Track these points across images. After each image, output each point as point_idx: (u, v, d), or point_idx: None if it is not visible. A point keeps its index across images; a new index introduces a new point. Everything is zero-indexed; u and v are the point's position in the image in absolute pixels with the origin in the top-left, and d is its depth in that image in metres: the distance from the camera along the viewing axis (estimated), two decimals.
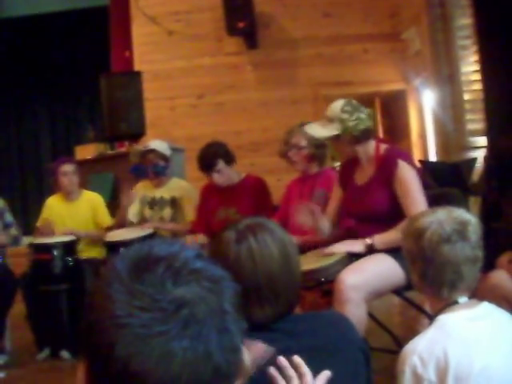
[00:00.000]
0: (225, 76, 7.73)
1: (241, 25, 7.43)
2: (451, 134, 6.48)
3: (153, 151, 5.51)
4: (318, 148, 4.43)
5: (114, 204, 6.04)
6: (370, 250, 3.50)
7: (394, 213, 3.55)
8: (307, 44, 7.77)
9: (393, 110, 8.08)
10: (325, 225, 3.80)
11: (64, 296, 5.32)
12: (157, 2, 7.91)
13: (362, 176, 3.78)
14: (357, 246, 3.52)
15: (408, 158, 3.70)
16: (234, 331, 0.99)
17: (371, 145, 3.70)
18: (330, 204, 4.04)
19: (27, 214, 9.07)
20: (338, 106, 3.64)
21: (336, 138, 3.65)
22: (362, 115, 3.63)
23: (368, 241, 3.50)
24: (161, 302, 0.93)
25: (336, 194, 3.99)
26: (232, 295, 1.02)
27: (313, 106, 7.40)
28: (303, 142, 4.44)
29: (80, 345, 0.99)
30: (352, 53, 7.74)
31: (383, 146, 3.72)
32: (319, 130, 3.73)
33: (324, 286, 3.46)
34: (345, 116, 3.59)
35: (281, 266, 1.89)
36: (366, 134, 3.66)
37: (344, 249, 3.51)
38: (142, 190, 5.72)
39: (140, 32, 7.93)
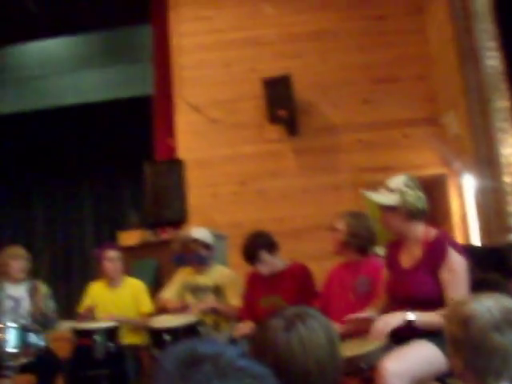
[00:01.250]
0: (266, 163, 7.81)
1: (282, 113, 7.54)
2: (492, 216, 6.43)
3: (195, 240, 5.55)
4: (353, 236, 4.43)
5: (156, 290, 6.05)
6: (409, 328, 3.45)
7: (437, 299, 3.51)
8: (347, 130, 7.85)
9: (433, 193, 8.04)
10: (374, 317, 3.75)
11: (105, 381, 5.32)
12: (200, 92, 8.09)
13: (408, 258, 3.76)
14: (396, 319, 3.47)
15: (458, 246, 3.67)
16: None
17: (421, 227, 3.70)
18: (382, 286, 4.00)
19: (71, 299, 9.10)
20: (401, 179, 3.67)
21: (392, 209, 3.66)
22: (421, 195, 3.65)
23: (409, 316, 3.45)
24: None
25: (385, 278, 3.97)
26: None
27: (354, 192, 7.41)
28: (340, 226, 4.45)
29: None
30: (392, 138, 7.79)
31: (433, 231, 3.71)
32: (378, 197, 3.74)
33: (365, 373, 3.42)
34: (407, 190, 3.61)
35: (328, 351, 1.92)
36: (421, 215, 3.67)
37: (383, 326, 3.46)
38: (184, 275, 5.74)
39: (183, 120, 8.09)
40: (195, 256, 5.55)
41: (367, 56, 7.93)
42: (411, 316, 3.44)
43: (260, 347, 1.93)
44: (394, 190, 3.64)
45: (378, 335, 3.44)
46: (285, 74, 7.58)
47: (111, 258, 5.93)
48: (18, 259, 5.89)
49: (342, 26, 8.03)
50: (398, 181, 3.67)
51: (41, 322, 5.59)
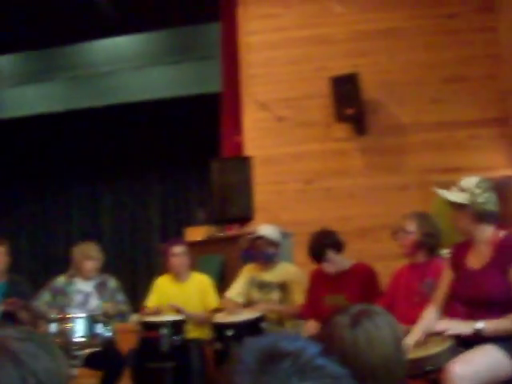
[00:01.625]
0: (333, 162, 7.79)
1: (349, 111, 7.52)
2: None
3: (262, 238, 5.59)
4: (427, 236, 4.40)
5: (222, 286, 6.11)
6: (477, 336, 3.42)
7: (506, 300, 3.48)
8: (415, 130, 7.76)
9: (502, 195, 7.90)
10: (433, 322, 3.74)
11: (170, 374, 5.40)
12: (267, 90, 8.12)
13: (477, 260, 3.73)
14: (464, 328, 3.45)
15: None
16: None
17: (490, 229, 3.67)
18: (439, 288, 3.98)
19: (136, 293, 9.26)
20: (473, 179, 3.66)
21: (461, 207, 3.64)
22: (493, 198, 3.62)
23: (478, 325, 3.43)
24: None
25: (447, 278, 3.93)
26: None
27: (421, 193, 7.32)
28: (412, 228, 4.43)
29: None
30: (460, 138, 7.67)
31: (502, 232, 3.68)
32: (449, 194, 3.72)
33: (430, 375, 3.40)
34: (477, 191, 3.60)
35: (393, 348, 1.93)
36: (490, 217, 3.65)
37: (450, 329, 3.44)
38: (250, 271, 5.78)
39: (250, 118, 8.13)
40: (262, 253, 5.59)
41: (436, 54, 7.82)
42: (480, 325, 3.42)
43: (326, 344, 1.94)
44: (465, 189, 3.63)
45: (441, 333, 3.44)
46: (352, 73, 7.54)
47: (177, 254, 6.00)
48: (90, 259, 6.00)
49: (410, 24, 7.94)
50: (470, 181, 3.66)
51: (111, 316, 5.70)
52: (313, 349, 1.05)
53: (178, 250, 6.00)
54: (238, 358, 1.04)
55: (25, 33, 9.82)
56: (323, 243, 5.04)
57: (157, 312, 5.79)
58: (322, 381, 1.00)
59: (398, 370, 1.94)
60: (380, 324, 1.93)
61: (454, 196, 3.67)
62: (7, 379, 1.15)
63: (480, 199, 3.59)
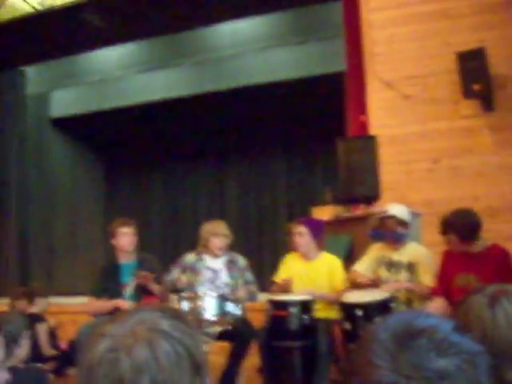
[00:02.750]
0: (461, 140, 7.61)
1: (476, 87, 7.32)
2: None
3: (392, 217, 5.57)
4: None
5: (349, 265, 6.13)
6: None
7: None
8: None
9: None
10: None
11: (298, 353, 5.47)
12: (392, 67, 8.02)
13: None
14: None
15: None
16: None
17: None
18: None
19: (262, 271, 9.42)
20: None
21: None
22: None
23: None
24: (426, 371, 0.97)
25: None
26: (487, 369, 1.04)
27: None
28: None
29: None
30: None
31: None
32: None
33: None
34: None
35: None
36: None
37: None
38: (379, 250, 5.78)
39: (376, 97, 8.06)
40: (392, 233, 5.56)
41: None
42: None
43: (463, 325, 1.95)
44: None
45: None
46: (479, 47, 7.34)
47: (299, 233, 6.04)
48: (218, 237, 6.13)
49: None
50: None
51: (243, 300, 5.80)
52: (447, 325, 1.07)
53: (299, 229, 6.05)
54: (374, 337, 1.06)
55: (150, 19, 10.07)
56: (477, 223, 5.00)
57: (285, 286, 5.85)
58: (459, 356, 1.01)
59: None
60: None
61: None
62: (165, 356, 1.22)
63: None
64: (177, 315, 1.33)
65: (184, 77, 11.87)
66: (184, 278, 6.00)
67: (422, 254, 5.60)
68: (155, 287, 6.00)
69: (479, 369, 1.02)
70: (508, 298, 1.92)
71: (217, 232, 6.13)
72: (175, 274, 6.08)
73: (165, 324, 1.28)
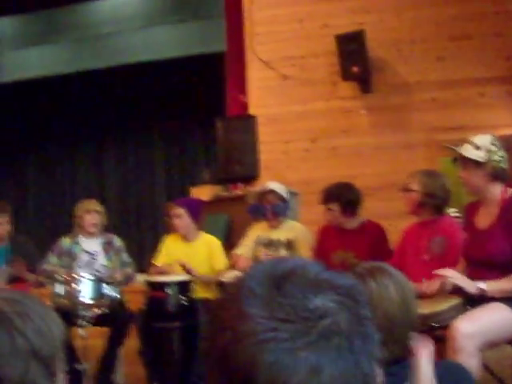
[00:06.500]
0: (339, 120, 7.72)
1: (355, 69, 7.44)
2: None
3: (272, 192, 5.58)
4: (428, 197, 4.34)
5: (227, 245, 6.11)
6: (481, 296, 3.42)
7: (509, 263, 3.47)
8: (421, 88, 7.68)
9: (510, 154, 7.83)
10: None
11: (177, 334, 5.43)
12: (272, 48, 8.03)
13: (484, 220, 3.70)
14: (469, 285, 3.45)
15: None
16: (374, 337, 0.98)
17: (500, 188, 3.64)
18: (461, 250, 3.96)
19: (142, 252, 9.31)
20: (487, 137, 3.61)
21: (477, 165, 3.59)
22: (505, 156, 3.59)
23: (481, 286, 3.42)
24: (303, 312, 0.91)
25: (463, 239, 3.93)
26: (366, 301, 0.99)
27: (427, 151, 7.29)
28: (414, 187, 4.38)
29: (210, 375, 0.97)
30: (467, 97, 7.59)
31: (510, 190, 3.65)
32: (465, 150, 3.67)
33: (436, 331, 3.39)
34: (493, 148, 3.55)
35: (400, 309, 1.92)
36: (504, 175, 3.61)
37: (456, 281, 3.44)
38: (257, 230, 5.78)
39: (255, 76, 8.04)
40: (271, 207, 5.57)
41: (443, 11, 7.70)
42: (482, 285, 3.41)
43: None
44: (481, 147, 3.57)
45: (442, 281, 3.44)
46: (358, 30, 7.46)
47: (178, 215, 5.95)
48: (91, 213, 5.99)
49: None
50: (484, 139, 3.60)
51: (119, 282, 5.71)
52: (314, 265, 1.02)
53: (177, 211, 5.95)
54: (242, 287, 0.97)
55: None
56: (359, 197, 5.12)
57: (164, 270, 5.79)
58: (335, 291, 0.95)
59: (404, 331, 1.93)
60: (386, 283, 1.93)
61: (471, 152, 3.61)
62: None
63: (496, 157, 3.55)
64: (22, 299, 1.28)
65: (61, 54, 11.52)
66: (62, 270, 5.78)
67: (300, 231, 5.64)
68: (29, 276, 5.84)
69: (359, 302, 0.97)
70: (375, 278, 1.93)
71: (89, 209, 6.00)
72: (52, 261, 5.89)
73: (5, 307, 1.22)
